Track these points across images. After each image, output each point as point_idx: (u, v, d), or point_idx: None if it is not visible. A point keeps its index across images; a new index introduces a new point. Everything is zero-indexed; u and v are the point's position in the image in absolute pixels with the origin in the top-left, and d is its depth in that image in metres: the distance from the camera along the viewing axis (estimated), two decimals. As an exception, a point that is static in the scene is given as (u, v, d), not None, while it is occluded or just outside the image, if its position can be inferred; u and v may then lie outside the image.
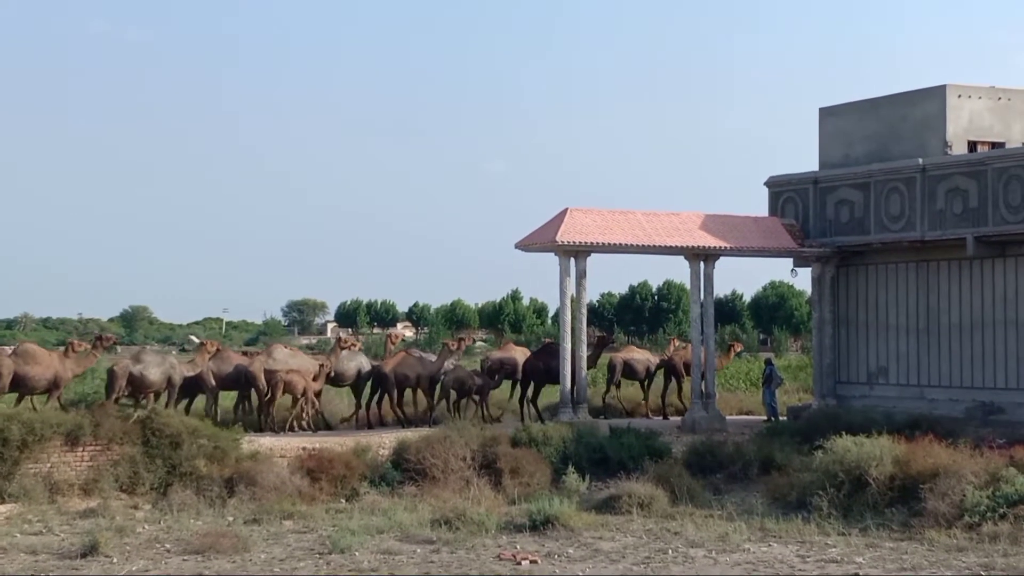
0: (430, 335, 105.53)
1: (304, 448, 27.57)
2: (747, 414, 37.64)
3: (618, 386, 36.41)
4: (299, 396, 30.66)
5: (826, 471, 25.19)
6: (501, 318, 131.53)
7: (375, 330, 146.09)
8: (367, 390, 32.73)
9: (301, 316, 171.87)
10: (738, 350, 40.92)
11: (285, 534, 22.85)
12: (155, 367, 29.71)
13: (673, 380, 36.58)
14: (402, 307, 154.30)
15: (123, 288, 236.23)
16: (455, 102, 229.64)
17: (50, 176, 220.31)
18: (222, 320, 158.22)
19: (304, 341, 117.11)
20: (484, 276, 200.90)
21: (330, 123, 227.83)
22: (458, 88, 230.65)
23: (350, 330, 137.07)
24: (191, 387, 30.94)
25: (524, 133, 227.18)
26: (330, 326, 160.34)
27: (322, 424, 31.27)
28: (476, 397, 33.06)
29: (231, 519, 23.92)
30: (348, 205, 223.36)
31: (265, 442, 27.88)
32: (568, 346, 32.96)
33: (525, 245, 33.64)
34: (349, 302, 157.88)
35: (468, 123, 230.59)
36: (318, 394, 31.41)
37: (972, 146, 33.34)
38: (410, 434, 28.97)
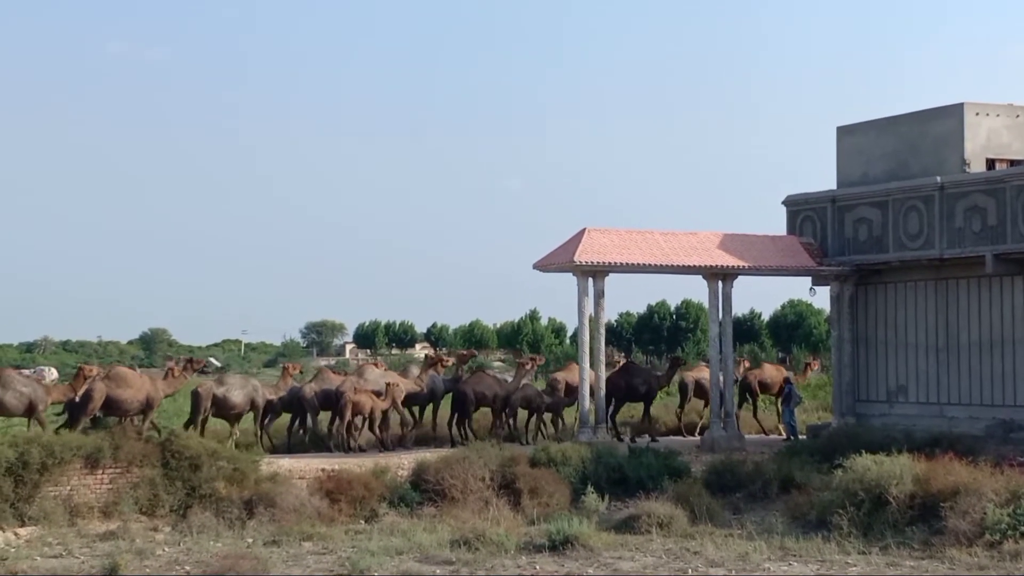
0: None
1: (323, 469, 27.59)
2: (767, 433, 37.58)
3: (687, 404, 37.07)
4: (366, 416, 30.81)
5: (846, 490, 25.12)
6: (519, 338, 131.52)
7: (393, 351, 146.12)
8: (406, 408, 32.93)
9: (320, 337, 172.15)
10: (815, 368, 41.58)
11: (304, 556, 22.87)
12: (238, 389, 30.54)
13: (749, 399, 37.28)
14: (420, 328, 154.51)
15: (142, 310, 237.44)
16: (470, 120, 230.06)
17: (68, 198, 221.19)
18: (241, 342, 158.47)
19: (323, 362, 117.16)
20: (502, 296, 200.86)
21: (345, 144, 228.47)
22: (473, 105, 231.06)
23: (438, 348, 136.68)
24: (289, 408, 31.82)
25: (540, 152, 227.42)
26: (348, 347, 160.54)
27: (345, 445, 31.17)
28: (547, 415, 33.77)
29: (250, 541, 23.95)
30: (365, 226, 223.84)
31: (284, 464, 27.92)
32: (587, 366, 32.98)
33: (543, 265, 33.67)
34: (367, 323, 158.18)
35: (484, 142, 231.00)
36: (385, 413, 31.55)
37: (990, 164, 33.30)
38: (429, 455, 28.98)
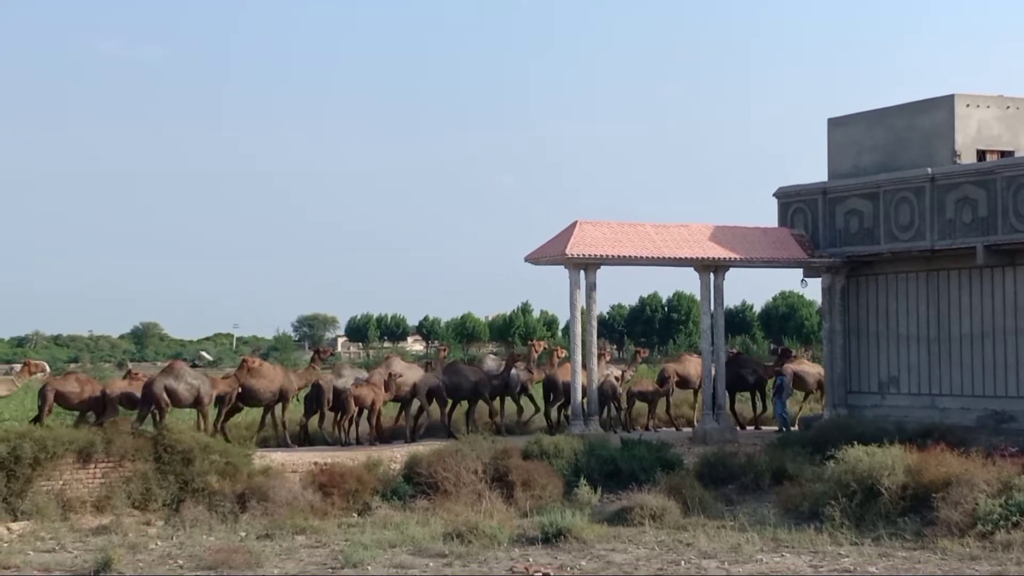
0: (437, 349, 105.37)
1: (316, 463, 27.60)
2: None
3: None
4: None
5: (838, 481, 25.17)
6: (511, 331, 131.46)
7: (385, 344, 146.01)
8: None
9: (312, 331, 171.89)
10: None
11: (297, 549, 22.88)
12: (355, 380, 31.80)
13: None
14: (412, 321, 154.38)
15: (134, 305, 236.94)
16: (461, 113, 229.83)
17: (60, 193, 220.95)
18: (232, 335, 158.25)
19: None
20: (494, 289, 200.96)
21: (337, 139, 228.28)
22: (464, 99, 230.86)
23: (430, 341, 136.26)
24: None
25: (532, 145, 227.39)
26: (340, 340, 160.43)
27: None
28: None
29: (243, 534, 23.95)
30: (357, 220, 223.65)
31: (277, 457, 27.92)
32: (579, 358, 33.00)
33: (535, 258, 33.69)
34: (359, 316, 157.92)
35: (476, 135, 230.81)
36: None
37: (981, 155, 33.30)
38: (422, 448, 28.99)
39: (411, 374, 32.58)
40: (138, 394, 28.93)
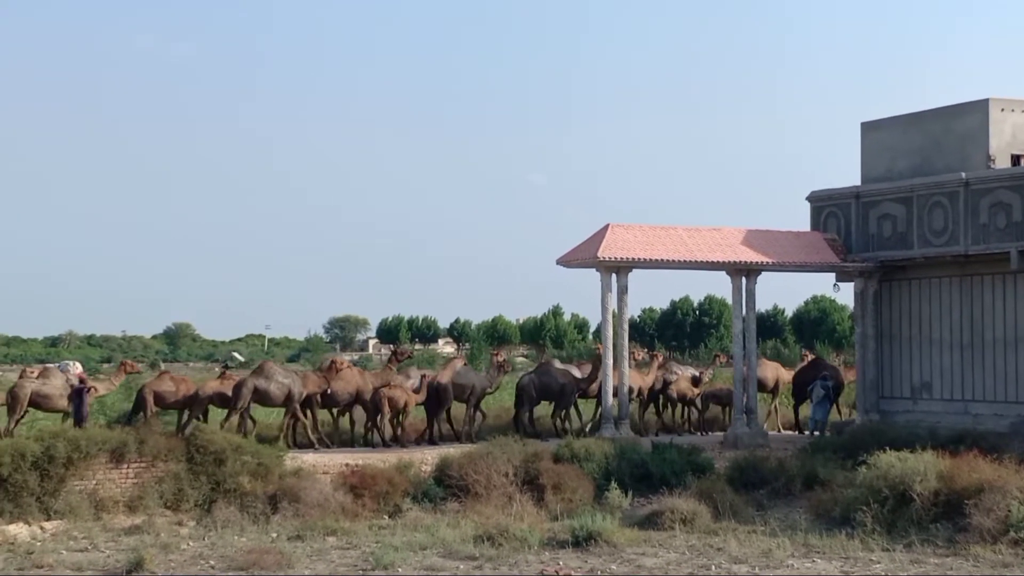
0: (471, 351, 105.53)
1: (347, 464, 27.68)
2: (790, 430, 37.63)
3: None
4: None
5: (870, 487, 25.06)
6: (542, 334, 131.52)
7: (416, 346, 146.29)
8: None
9: (343, 332, 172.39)
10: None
11: (328, 550, 22.93)
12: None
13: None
14: (443, 323, 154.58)
15: (166, 305, 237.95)
16: (493, 116, 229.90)
17: (93, 194, 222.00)
18: (264, 337, 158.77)
19: (347, 357, 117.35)
20: (525, 292, 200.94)
21: (368, 140, 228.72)
22: (496, 101, 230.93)
23: (461, 343, 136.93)
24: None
25: (564, 148, 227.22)
26: (372, 342, 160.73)
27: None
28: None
29: (275, 535, 24.02)
30: (388, 222, 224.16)
31: (308, 459, 28.02)
32: (610, 362, 32.99)
33: (566, 261, 33.70)
34: (391, 318, 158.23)
35: (506, 137, 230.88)
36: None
37: (1015, 160, 33.15)
38: (452, 450, 29.03)
39: (471, 377, 33.10)
40: (230, 393, 29.89)
